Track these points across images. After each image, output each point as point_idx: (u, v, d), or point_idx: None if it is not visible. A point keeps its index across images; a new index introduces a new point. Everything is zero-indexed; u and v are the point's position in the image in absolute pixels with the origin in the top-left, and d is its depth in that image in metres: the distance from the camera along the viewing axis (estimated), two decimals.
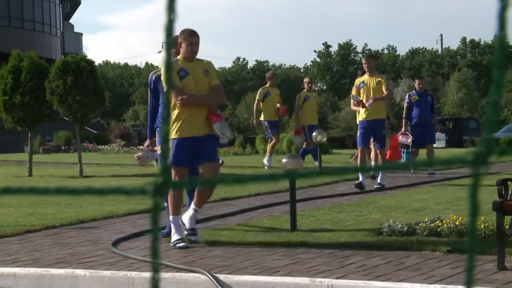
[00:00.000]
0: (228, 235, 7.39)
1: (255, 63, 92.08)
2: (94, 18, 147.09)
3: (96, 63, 19.21)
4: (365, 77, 12.26)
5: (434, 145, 16.38)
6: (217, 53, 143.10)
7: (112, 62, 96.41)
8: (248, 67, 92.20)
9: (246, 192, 11.43)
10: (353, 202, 10.17)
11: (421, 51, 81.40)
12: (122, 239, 7.48)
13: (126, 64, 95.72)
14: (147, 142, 8.08)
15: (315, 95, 16.97)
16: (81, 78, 15.71)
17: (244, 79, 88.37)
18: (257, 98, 16.62)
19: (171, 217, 7.08)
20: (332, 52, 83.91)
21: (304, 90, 16.76)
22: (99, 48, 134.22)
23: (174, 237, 6.99)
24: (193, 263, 6.12)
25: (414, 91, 15.87)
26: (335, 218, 8.49)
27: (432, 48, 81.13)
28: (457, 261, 5.88)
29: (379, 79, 12.22)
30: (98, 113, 20.84)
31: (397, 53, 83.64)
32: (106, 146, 33.58)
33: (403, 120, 15.81)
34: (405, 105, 15.72)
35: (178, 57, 7.29)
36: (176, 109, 7.04)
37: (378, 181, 12.28)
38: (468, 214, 0.81)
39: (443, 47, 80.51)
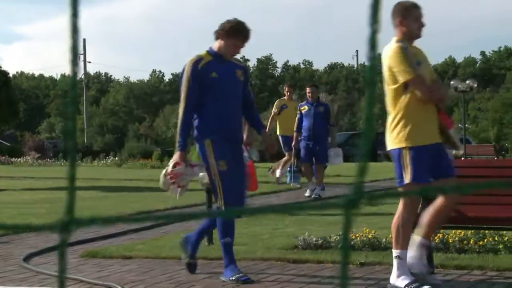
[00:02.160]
0: (144, 249, 7.32)
1: (171, 76, 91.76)
2: (8, 28, 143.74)
3: (10, 74, 18.76)
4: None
5: (333, 164, 14.15)
6: (134, 65, 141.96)
7: (26, 73, 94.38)
8: (165, 80, 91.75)
9: (163, 206, 11.37)
10: (269, 216, 10.23)
11: (338, 66, 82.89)
12: (34, 254, 7.31)
13: (41, 75, 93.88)
14: (178, 156, 6.02)
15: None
16: None
17: (161, 91, 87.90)
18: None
19: (398, 252, 5.34)
20: (250, 66, 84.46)
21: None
22: (13, 59, 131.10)
23: (402, 281, 5.32)
24: (108, 278, 6.04)
25: (305, 101, 13.77)
26: (251, 231, 8.53)
27: (349, 64, 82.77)
28: (370, 273, 5.99)
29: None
30: (12, 125, 20.34)
31: (314, 68, 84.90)
32: (20, 159, 32.76)
33: (294, 134, 13.80)
34: (297, 116, 13.75)
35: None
36: (404, 107, 5.40)
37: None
38: (340, 247, 0.87)
39: (359, 63, 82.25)
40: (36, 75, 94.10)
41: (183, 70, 6.03)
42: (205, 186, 8.05)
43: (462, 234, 6.75)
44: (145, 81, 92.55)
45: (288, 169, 14.71)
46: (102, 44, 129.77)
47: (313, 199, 13.07)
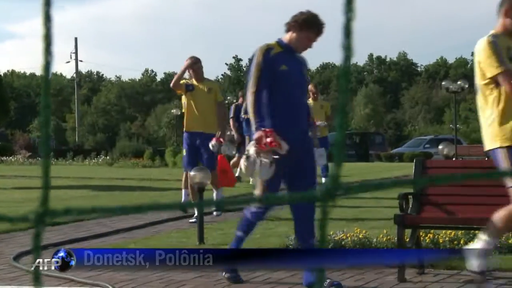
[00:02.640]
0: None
1: (163, 75, 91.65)
2: (0, 26, 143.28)
3: (1, 73, 18.72)
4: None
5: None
6: (126, 64, 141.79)
7: (18, 72, 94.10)
8: (157, 79, 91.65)
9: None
10: (318, 215, 10.22)
11: (330, 66, 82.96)
12: (25, 253, 7.29)
13: (33, 74, 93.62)
14: (261, 133, 5.41)
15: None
16: None
17: (153, 91, 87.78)
18: None
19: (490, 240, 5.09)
20: (243, 66, 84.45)
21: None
22: (5, 57, 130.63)
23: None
24: (98, 277, 6.02)
25: None
26: None
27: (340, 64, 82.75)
28: (359, 273, 6.01)
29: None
30: (2, 123, 20.28)
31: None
32: (10, 158, 32.66)
33: None
34: None
35: None
36: (496, 104, 5.06)
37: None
38: (319, 241, 0.89)
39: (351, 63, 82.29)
40: (27, 74, 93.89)
41: (253, 57, 5.59)
42: (196, 186, 8.06)
43: (453, 234, 6.77)
44: (137, 80, 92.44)
45: None
46: (94, 43, 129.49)
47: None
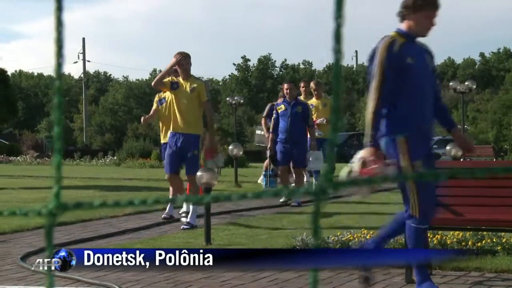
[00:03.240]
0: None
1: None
2: (7, 26, 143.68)
3: (9, 73, 18.76)
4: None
5: (312, 169, 12.51)
6: (133, 64, 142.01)
7: (26, 72, 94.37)
8: (165, 79, 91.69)
9: (161, 206, 11.35)
10: (268, 216, 10.23)
11: None
12: (32, 253, 7.30)
13: (40, 74, 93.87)
14: (371, 152, 4.94)
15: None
16: None
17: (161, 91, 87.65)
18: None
19: None
20: (251, 66, 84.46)
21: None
22: (12, 57, 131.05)
23: None
24: (105, 277, 6.03)
25: (282, 100, 12.33)
26: (249, 231, 8.52)
27: (348, 64, 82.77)
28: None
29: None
30: (10, 123, 20.35)
31: (313, 68, 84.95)
32: (18, 158, 32.74)
33: (270, 135, 12.49)
34: (273, 116, 12.44)
35: None
36: None
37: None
38: (312, 235, 0.92)
39: (358, 63, 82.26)
40: (35, 74, 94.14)
41: (373, 55, 5.04)
42: (204, 186, 8.05)
43: (461, 235, 6.75)
44: (145, 80, 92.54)
45: (264, 173, 13.24)
46: (102, 43, 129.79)
47: (291, 206, 11.69)
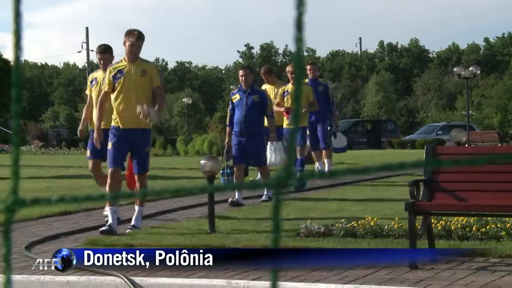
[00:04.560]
0: (145, 238, 7.31)
1: (175, 64, 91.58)
2: (11, 16, 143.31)
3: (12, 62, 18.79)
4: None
5: (272, 166, 11.09)
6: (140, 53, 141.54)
7: (30, 62, 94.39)
8: (169, 68, 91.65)
9: (153, 196, 11.34)
10: (271, 204, 10.20)
11: (341, 54, 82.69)
12: (36, 242, 7.31)
13: (44, 64, 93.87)
14: None
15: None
16: None
17: (164, 80, 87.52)
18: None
19: None
20: (255, 54, 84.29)
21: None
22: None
23: None
24: (109, 266, 6.03)
25: (237, 89, 10.88)
26: (253, 220, 8.52)
27: (352, 51, 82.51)
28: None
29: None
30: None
31: (317, 55, 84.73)
32: (23, 147, 32.83)
33: (227, 129, 11.03)
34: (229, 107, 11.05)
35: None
36: None
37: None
38: (272, 231, 0.93)
39: (362, 50, 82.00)
40: (39, 64, 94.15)
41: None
42: (207, 175, 8.05)
43: (465, 221, 6.73)
44: None
45: (221, 171, 11.14)
46: (105, 32, 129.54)
47: (261, 201, 10.74)
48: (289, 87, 12.20)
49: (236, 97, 10.60)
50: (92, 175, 9.28)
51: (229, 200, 10.24)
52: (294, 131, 0.86)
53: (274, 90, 12.19)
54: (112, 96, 7.98)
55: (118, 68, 7.98)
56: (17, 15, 0.81)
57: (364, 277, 5.47)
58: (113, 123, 8.01)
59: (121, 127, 7.91)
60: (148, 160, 8.25)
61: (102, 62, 8.88)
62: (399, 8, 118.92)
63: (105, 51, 9.01)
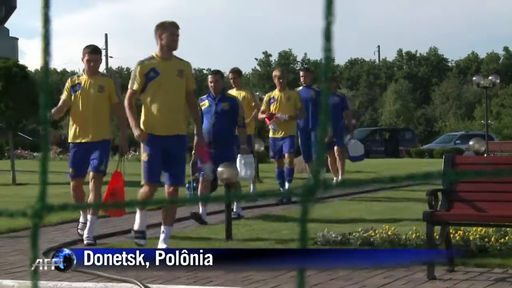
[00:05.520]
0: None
1: (193, 71, 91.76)
2: (31, 22, 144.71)
3: (33, 69, 18.93)
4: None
5: (243, 180, 10.36)
6: None
7: (49, 68, 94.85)
8: None
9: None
10: (288, 212, 10.20)
11: (359, 62, 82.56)
12: (53, 249, 7.33)
13: (64, 70, 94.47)
14: None
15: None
16: (13, 84, 15.42)
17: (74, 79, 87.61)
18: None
19: None
20: (273, 61, 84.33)
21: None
22: (36, 54, 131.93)
23: None
24: (125, 272, 6.03)
25: (206, 94, 9.91)
26: (270, 227, 8.50)
27: (370, 59, 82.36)
28: (388, 270, 5.94)
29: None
30: (33, 119, 20.53)
31: (335, 63, 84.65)
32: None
33: (195, 138, 9.40)
34: None
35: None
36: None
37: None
38: (299, 239, 0.91)
39: (380, 58, 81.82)
40: (59, 70, 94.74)
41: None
42: (225, 181, 8.04)
43: (483, 231, 6.67)
44: None
45: (187, 184, 9.75)
46: (124, 39, 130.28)
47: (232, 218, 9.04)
48: (276, 93, 11.75)
49: (205, 104, 9.65)
50: (73, 195, 7.94)
51: (191, 212, 9.35)
52: (321, 140, 0.85)
53: (240, 96, 11.17)
54: (147, 99, 7.14)
55: (152, 66, 7.10)
56: (46, 21, 0.82)
57: (382, 286, 5.43)
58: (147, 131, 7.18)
59: (156, 134, 7.11)
60: (106, 162, 7.94)
61: (92, 64, 7.84)
62: (418, 16, 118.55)
63: (97, 51, 8.02)
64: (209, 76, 9.82)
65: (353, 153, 13.65)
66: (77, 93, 7.74)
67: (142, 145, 7.55)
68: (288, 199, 11.06)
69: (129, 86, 7.25)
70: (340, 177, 13.44)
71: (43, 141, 0.85)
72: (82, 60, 7.83)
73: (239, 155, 9.71)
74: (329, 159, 13.49)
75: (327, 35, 0.83)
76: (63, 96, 7.85)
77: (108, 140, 7.97)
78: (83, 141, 7.76)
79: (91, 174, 7.82)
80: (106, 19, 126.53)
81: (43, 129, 0.85)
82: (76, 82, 7.81)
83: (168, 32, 7.06)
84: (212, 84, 9.65)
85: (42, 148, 0.85)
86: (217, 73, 9.76)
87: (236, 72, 11.70)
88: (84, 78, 7.82)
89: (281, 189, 11.79)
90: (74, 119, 7.85)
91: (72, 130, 7.85)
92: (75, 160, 7.85)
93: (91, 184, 7.75)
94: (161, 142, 7.09)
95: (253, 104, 11.54)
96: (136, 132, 7.15)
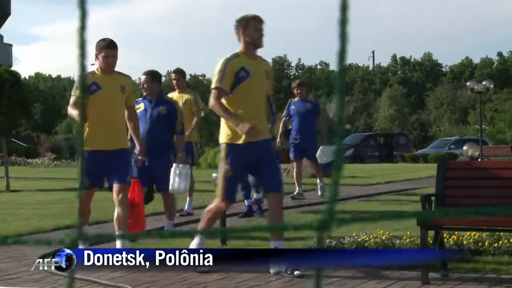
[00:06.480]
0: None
1: (188, 77, 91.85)
2: (25, 29, 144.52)
3: (27, 75, 18.94)
4: None
5: (178, 193, 9.16)
6: (152, 66, 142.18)
7: (43, 74, 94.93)
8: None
9: (179, 207, 11.36)
10: (292, 214, 10.18)
11: (353, 67, 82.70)
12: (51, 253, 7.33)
13: (58, 76, 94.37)
14: None
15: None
16: (4, 90, 15.40)
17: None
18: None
19: None
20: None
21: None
22: (31, 60, 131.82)
23: None
24: (121, 278, 6.05)
25: (142, 97, 9.03)
26: (266, 232, 8.50)
27: (364, 65, 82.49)
28: (384, 275, 5.96)
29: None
30: (26, 126, 20.55)
31: (330, 68, 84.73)
32: (36, 160, 32.98)
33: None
34: None
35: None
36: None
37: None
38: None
39: (375, 64, 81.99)
40: (53, 76, 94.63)
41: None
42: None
43: (477, 236, 6.70)
44: (163, 81, 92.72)
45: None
46: (120, 45, 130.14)
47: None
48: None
49: (140, 107, 8.70)
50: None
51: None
52: (339, 155, 0.86)
53: (183, 99, 10.39)
54: (234, 100, 6.32)
55: (242, 65, 6.31)
56: (82, 28, 0.85)
57: None
58: (227, 140, 6.41)
59: (242, 142, 6.24)
60: (127, 174, 7.15)
61: (110, 60, 6.96)
62: (412, 22, 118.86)
63: (114, 45, 7.07)
64: (142, 77, 8.88)
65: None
66: (95, 93, 6.79)
67: (224, 155, 6.45)
68: (259, 207, 10.50)
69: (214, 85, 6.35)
70: (319, 183, 12.91)
71: (79, 175, 0.88)
72: (97, 57, 6.90)
73: (174, 165, 8.67)
74: (295, 170, 12.63)
75: (343, 37, 0.84)
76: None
77: (129, 149, 7.32)
78: (102, 148, 6.89)
79: (116, 186, 6.94)
80: (102, 25, 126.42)
81: (80, 162, 0.88)
82: (92, 81, 6.82)
83: (256, 26, 6.44)
84: (145, 85, 8.74)
85: (78, 179, 0.89)
86: (149, 74, 8.78)
87: (179, 72, 10.80)
88: (100, 76, 6.89)
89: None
90: (92, 123, 6.76)
91: (89, 135, 6.77)
92: (92, 170, 6.78)
93: (119, 197, 6.92)
94: (248, 151, 6.31)
95: (194, 109, 10.53)
96: (245, 126, 6.06)
